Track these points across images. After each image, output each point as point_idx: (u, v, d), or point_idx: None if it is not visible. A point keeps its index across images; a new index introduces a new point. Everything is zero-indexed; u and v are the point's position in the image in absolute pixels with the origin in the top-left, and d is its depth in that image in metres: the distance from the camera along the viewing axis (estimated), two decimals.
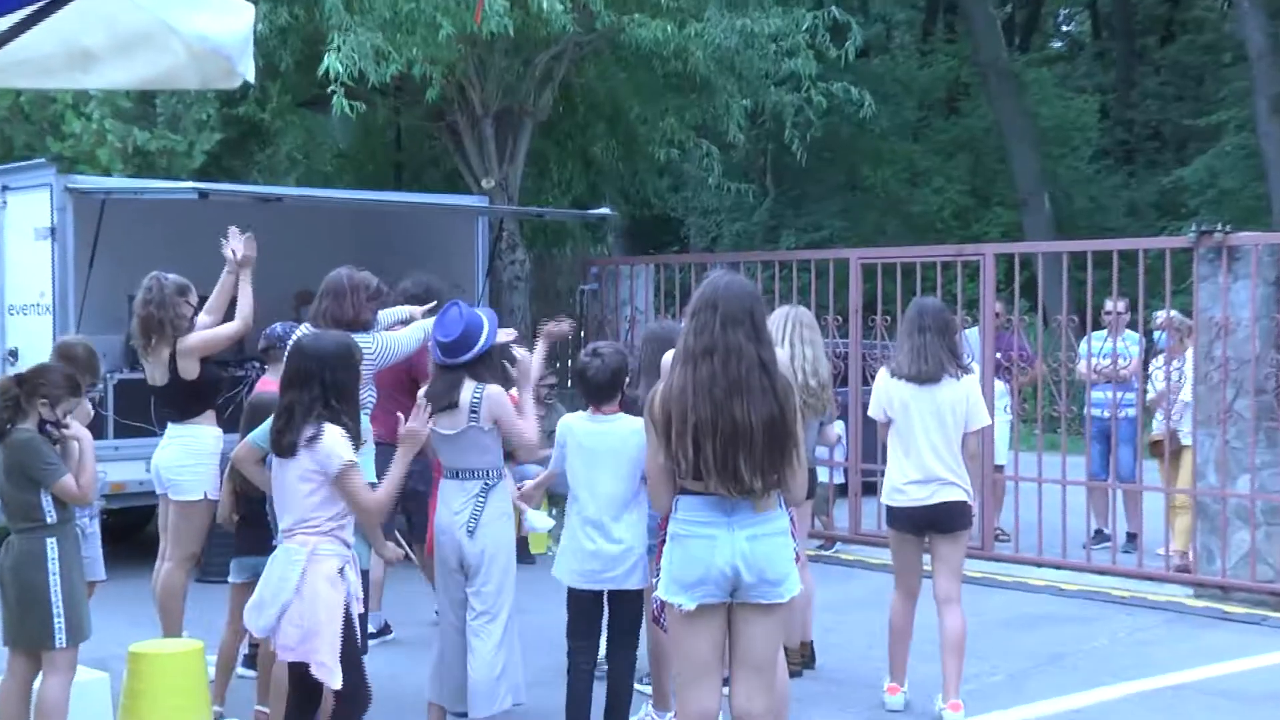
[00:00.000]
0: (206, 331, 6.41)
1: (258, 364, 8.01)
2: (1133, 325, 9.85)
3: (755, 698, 4.16)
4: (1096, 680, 6.75)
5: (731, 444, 3.99)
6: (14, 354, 9.02)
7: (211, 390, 6.55)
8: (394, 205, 11.12)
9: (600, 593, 5.49)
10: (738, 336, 4.03)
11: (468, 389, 5.33)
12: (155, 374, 6.38)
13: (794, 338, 6.37)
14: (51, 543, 5.00)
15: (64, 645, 4.97)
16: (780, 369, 4.15)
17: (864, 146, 23.72)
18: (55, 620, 4.95)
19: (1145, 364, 9.58)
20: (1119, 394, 9.40)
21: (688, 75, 11.66)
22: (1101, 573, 9.04)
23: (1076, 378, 9.78)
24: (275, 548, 4.76)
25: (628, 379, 5.60)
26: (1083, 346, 9.69)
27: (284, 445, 4.60)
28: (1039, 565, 9.25)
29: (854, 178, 24.49)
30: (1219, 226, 8.49)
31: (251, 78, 3.98)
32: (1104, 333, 9.65)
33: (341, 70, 9.36)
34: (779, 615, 4.16)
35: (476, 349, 5.36)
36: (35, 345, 8.89)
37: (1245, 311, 8.28)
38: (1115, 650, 7.37)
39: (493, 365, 5.53)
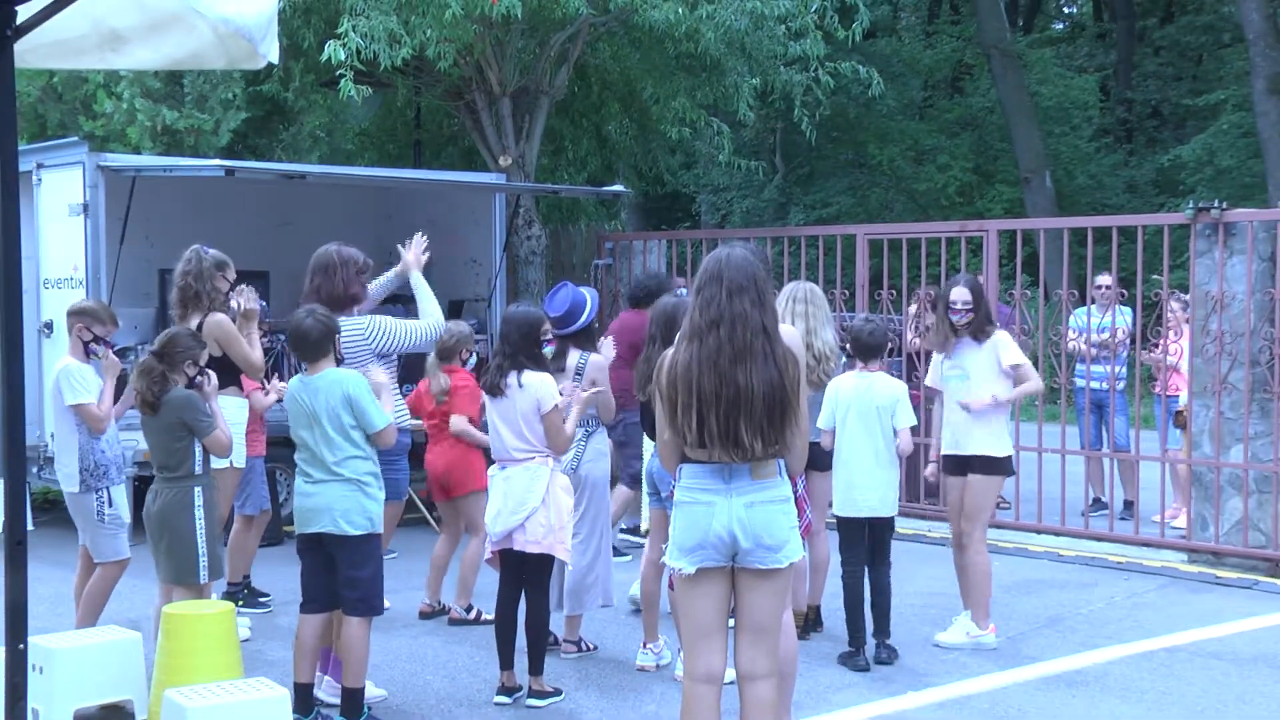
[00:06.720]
0: (235, 332, 6.40)
1: (281, 335, 8.03)
2: (1129, 300, 9.81)
3: (758, 660, 4.19)
4: (1093, 642, 6.76)
5: (734, 410, 4.02)
6: (49, 326, 9.06)
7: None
8: (414, 182, 11.13)
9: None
10: (743, 304, 4.08)
11: (574, 356, 6.24)
12: None
13: (788, 312, 6.37)
14: (197, 490, 5.46)
15: (205, 580, 5.54)
16: (787, 341, 4.18)
17: (871, 125, 23.61)
18: (200, 559, 5.48)
19: (1143, 336, 9.53)
20: (1115, 367, 9.38)
21: (699, 56, 11.59)
22: (1099, 539, 9.05)
23: (1074, 350, 9.74)
24: None
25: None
26: (1072, 320, 9.65)
27: (493, 387, 5.65)
28: (1039, 532, 9.27)
29: (861, 156, 24.40)
30: (1216, 204, 8.44)
31: (275, 59, 3.98)
32: (1092, 307, 9.60)
33: (344, 58, 9.34)
34: (779, 580, 4.17)
35: (580, 323, 6.26)
36: None
37: (1240, 286, 8.24)
38: (1111, 613, 7.38)
39: (593, 337, 6.46)
